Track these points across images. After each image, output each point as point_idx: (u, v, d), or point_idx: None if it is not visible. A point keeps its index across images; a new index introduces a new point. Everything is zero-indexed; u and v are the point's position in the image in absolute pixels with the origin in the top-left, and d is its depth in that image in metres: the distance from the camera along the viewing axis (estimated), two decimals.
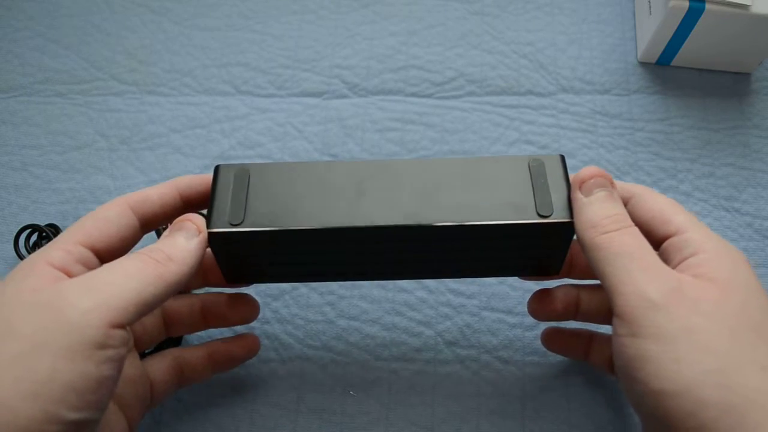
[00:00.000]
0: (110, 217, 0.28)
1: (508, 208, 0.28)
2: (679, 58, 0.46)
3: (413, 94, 0.46)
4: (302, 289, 0.40)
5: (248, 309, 0.34)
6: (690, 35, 0.43)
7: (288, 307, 0.40)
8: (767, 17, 0.41)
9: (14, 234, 0.40)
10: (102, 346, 0.23)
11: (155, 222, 0.29)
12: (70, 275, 0.25)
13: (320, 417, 0.37)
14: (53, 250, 0.26)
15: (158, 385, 0.32)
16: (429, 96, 0.46)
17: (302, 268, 0.32)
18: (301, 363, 0.38)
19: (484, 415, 0.37)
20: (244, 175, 0.29)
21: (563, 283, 0.34)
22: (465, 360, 0.38)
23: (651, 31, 0.45)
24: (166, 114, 0.46)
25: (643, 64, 0.47)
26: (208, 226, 0.28)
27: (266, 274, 0.32)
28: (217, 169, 0.30)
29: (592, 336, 0.35)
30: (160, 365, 0.32)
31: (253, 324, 0.39)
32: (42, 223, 0.41)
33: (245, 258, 0.30)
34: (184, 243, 0.27)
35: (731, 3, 0.41)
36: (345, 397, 0.37)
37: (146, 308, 0.25)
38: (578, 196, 0.28)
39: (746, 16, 0.41)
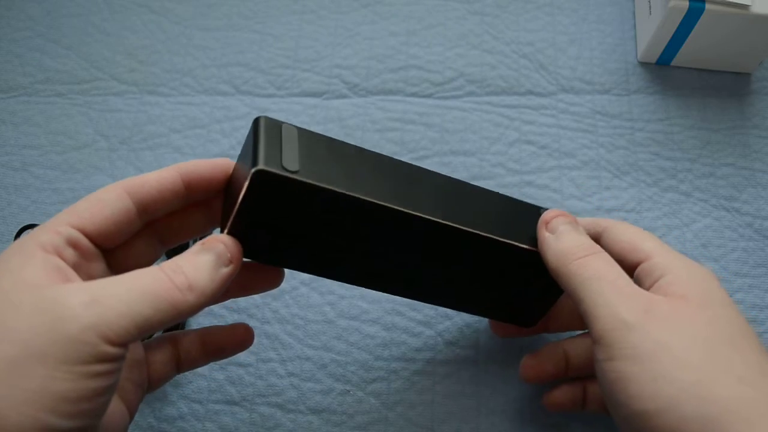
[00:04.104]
0: (104, 199, 0.26)
1: (520, 236, 0.31)
2: (679, 58, 0.46)
3: (413, 94, 0.46)
4: (302, 289, 0.40)
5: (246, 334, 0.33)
6: (690, 35, 0.43)
7: (288, 307, 0.40)
8: (767, 17, 0.41)
9: (14, 234, 0.40)
10: (98, 360, 0.22)
11: (154, 208, 0.28)
12: (62, 257, 0.24)
13: (320, 417, 0.37)
14: (43, 233, 0.25)
15: (156, 370, 0.31)
16: (429, 96, 0.46)
17: (321, 255, 0.29)
18: (301, 363, 0.38)
19: (483, 415, 0.37)
20: (291, 131, 0.27)
21: (547, 344, 0.35)
22: (465, 360, 0.38)
23: (651, 31, 0.45)
24: (166, 114, 0.46)
25: (643, 64, 0.47)
26: (254, 163, 0.25)
27: (275, 250, 0.28)
28: (258, 119, 0.26)
29: (585, 385, 0.34)
30: (158, 350, 0.31)
31: (253, 323, 0.39)
32: (42, 223, 0.41)
33: (271, 222, 0.27)
34: (210, 271, 0.25)
35: (731, 3, 0.41)
36: (345, 397, 0.37)
37: (150, 331, 0.24)
38: (545, 235, 0.30)
39: (746, 16, 0.41)
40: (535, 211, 0.33)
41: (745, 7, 0.41)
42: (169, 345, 0.32)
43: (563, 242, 0.29)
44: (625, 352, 0.25)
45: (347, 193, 0.26)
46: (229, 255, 0.26)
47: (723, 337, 0.26)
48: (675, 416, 0.24)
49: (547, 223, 0.31)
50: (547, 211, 0.31)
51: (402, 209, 0.27)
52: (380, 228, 0.28)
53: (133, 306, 0.23)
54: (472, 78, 0.47)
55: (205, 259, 0.25)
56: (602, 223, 0.32)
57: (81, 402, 0.22)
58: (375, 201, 0.27)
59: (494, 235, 0.30)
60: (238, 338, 0.32)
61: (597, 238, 0.31)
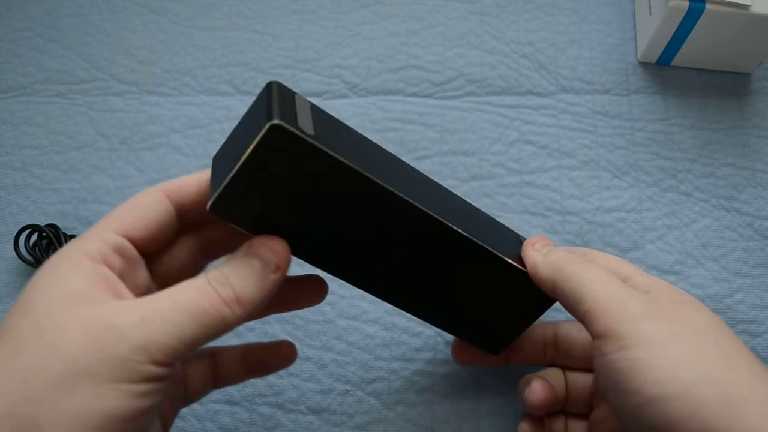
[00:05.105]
0: (145, 203, 0.26)
1: (510, 254, 0.31)
2: (679, 58, 0.46)
3: (413, 94, 0.46)
4: None
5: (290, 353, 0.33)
6: (690, 35, 0.43)
7: None
8: (767, 17, 0.41)
9: (14, 234, 0.40)
10: (145, 380, 0.22)
11: (193, 211, 0.27)
12: (110, 266, 0.24)
13: (320, 417, 0.37)
14: (89, 242, 0.24)
15: (193, 386, 0.31)
16: (429, 96, 0.46)
17: (310, 236, 0.27)
18: (301, 363, 0.38)
19: (483, 415, 0.37)
20: (304, 102, 0.25)
21: (540, 373, 0.35)
22: None
23: (651, 31, 0.45)
24: (166, 114, 0.46)
25: (643, 64, 0.47)
26: (269, 118, 0.23)
27: (263, 223, 0.26)
28: (271, 84, 0.25)
29: (549, 421, 0.35)
30: (196, 365, 0.31)
31: (253, 323, 0.39)
32: (42, 223, 0.41)
33: (269, 189, 0.25)
34: (257, 280, 0.25)
35: (731, 3, 0.41)
36: (345, 397, 0.37)
37: (196, 347, 0.24)
38: (532, 253, 0.31)
39: (746, 16, 0.41)
40: (515, 236, 0.33)
41: (745, 7, 0.41)
42: (208, 360, 0.31)
43: (555, 255, 0.30)
44: (639, 340, 0.25)
45: (362, 171, 0.25)
46: (275, 260, 0.25)
47: (724, 336, 0.26)
48: (693, 399, 0.24)
49: (533, 244, 0.32)
50: (532, 237, 0.33)
51: (411, 201, 0.27)
52: (380, 215, 0.27)
53: (181, 324, 0.23)
54: (472, 78, 0.47)
55: (252, 265, 0.25)
56: (579, 250, 0.32)
57: (126, 421, 0.22)
58: (385, 185, 0.26)
59: (488, 246, 0.30)
60: (282, 355, 0.32)
61: None
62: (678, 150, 0.44)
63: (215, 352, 0.31)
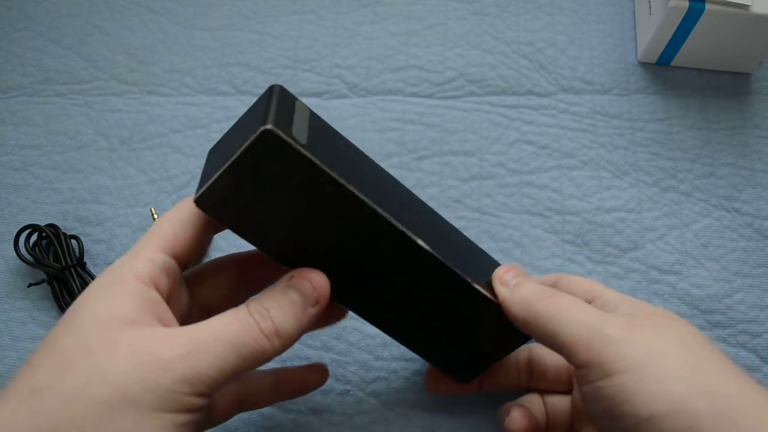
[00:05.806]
0: (186, 220, 0.26)
1: (482, 284, 0.31)
2: (679, 58, 0.46)
3: (413, 94, 0.46)
4: None
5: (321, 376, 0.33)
6: (690, 35, 0.43)
7: None
8: (767, 17, 0.41)
9: (14, 234, 0.40)
10: (186, 410, 0.23)
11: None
12: (158, 288, 0.25)
13: (320, 417, 0.37)
14: (138, 262, 0.25)
15: (218, 408, 0.31)
16: (429, 96, 0.46)
17: (289, 241, 0.27)
18: (301, 363, 0.38)
19: (483, 415, 0.37)
20: (303, 108, 0.26)
21: (519, 400, 0.34)
22: None
23: (651, 31, 0.45)
24: (166, 114, 0.46)
25: (643, 64, 0.47)
26: (264, 122, 0.24)
27: (245, 222, 0.26)
28: (273, 86, 0.26)
29: None
30: (225, 390, 0.31)
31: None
32: (42, 223, 0.41)
33: (255, 190, 0.25)
34: (297, 314, 0.25)
35: (731, 3, 0.41)
36: (345, 397, 0.37)
37: (234, 378, 0.24)
38: (502, 289, 0.30)
39: (746, 16, 0.41)
40: (492, 261, 0.33)
41: (745, 7, 0.41)
42: (237, 384, 0.31)
43: (523, 290, 0.30)
44: (622, 364, 0.25)
45: (347, 185, 0.25)
46: (315, 295, 0.26)
47: (704, 343, 0.26)
48: (686, 414, 0.23)
49: (500, 278, 0.31)
50: (499, 267, 0.32)
51: (393, 221, 0.27)
52: (363, 233, 0.27)
53: (223, 356, 0.23)
54: (472, 78, 0.47)
55: (292, 299, 0.25)
56: (552, 277, 0.32)
57: None
58: (370, 203, 0.26)
59: (466, 275, 0.30)
60: (315, 378, 0.33)
61: (553, 287, 0.32)
62: (678, 150, 0.44)
63: (245, 377, 0.32)
